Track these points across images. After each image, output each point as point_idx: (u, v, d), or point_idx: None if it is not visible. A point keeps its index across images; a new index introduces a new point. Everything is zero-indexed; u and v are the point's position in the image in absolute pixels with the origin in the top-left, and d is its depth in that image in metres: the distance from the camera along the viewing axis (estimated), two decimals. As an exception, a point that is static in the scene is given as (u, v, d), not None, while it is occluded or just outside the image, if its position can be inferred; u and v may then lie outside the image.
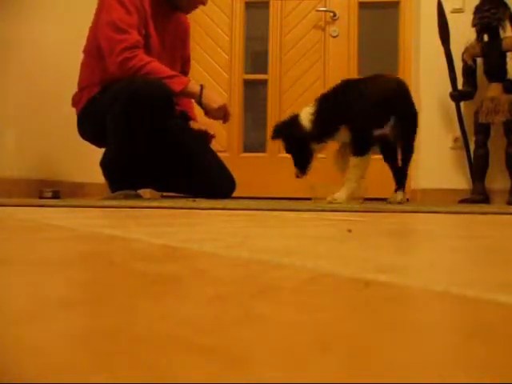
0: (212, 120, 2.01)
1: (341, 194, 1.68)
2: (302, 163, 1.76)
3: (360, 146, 1.70)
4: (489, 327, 0.21)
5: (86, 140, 2.04)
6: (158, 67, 1.82)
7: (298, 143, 1.73)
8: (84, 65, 1.97)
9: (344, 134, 1.72)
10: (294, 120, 1.73)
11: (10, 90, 2.14)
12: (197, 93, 1.88)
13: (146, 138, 1.83)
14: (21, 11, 2.16)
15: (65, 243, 0.51)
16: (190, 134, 2.12)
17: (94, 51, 1.90)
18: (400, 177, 1.88)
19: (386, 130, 1.76)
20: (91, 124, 1.94)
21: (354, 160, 1.70)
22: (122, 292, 0.28)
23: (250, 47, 3.24)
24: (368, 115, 1.70)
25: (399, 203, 1.79)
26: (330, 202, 1.65)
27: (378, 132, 1.76)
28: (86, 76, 1.95)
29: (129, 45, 1.79)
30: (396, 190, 1.87)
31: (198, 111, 2.13)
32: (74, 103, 1.99)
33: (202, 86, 1.90)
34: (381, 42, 3.16)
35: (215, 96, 1.97)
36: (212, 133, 2.16)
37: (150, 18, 1.92)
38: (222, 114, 1.96)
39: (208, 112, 1.93)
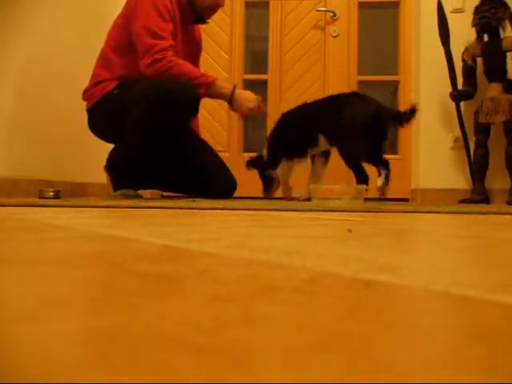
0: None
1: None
2: (266, 187, 2.29)
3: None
4: (489, 327, 0.21)
5: (96, 134, 2.05)
6: (186, 68, 1.84)
7: (261, 172, 2.27)
8: (103, 60, 1.99)
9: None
10: (260, 156, 2.26)
11: (11, 89, 2.14)
12: (226, 95, 1.91)
13: (163, 140, 1.85)
14: (21, 10, 2.16)
15: (65, 243, 0.52)
16: (191, 134, 2.12)
17: (121, 49, 1.93)
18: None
19: (322, 146, 2.07)
20: (105, 119, 1.95)
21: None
22: (122, 292, 0.28)
23: (250, 47, 3.24)
24: (292, 143, 2.11)
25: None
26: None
27: (315, 150, 2.12)
28: (104, 71, 1.97)
29: (160, 48, 1.83)
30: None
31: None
32: (86, 97, 2.00)
33: (234, 87, 1.93)
34: (381, 42, 3.16)
35: (248, 95, 1.97)
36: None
37: (179, 23, 1.98)
38: (258, 112, 1.97)
39: (241, 113, 1.97)
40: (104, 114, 1.95)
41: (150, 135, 1.83)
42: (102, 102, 1.95)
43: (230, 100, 1.91)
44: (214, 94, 1.91)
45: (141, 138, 1.84)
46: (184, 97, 1.76)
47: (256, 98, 1.96)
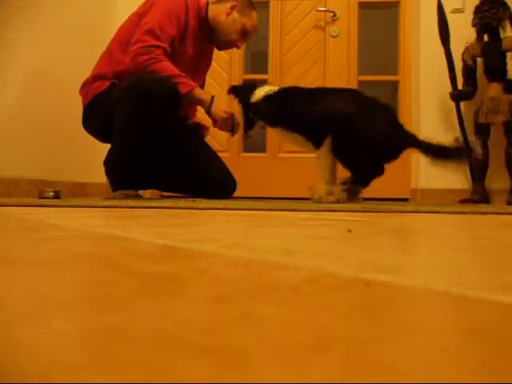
0: (206, 116, 2.04)
1: (318, 191, 1.73)
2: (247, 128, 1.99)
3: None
4: (489, 327, 0.21)
5: (90, 133, 2.05)
6: (167, 66, 1.84)
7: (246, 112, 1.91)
8: (107, 53, 2.00)
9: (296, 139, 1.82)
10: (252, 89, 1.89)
11: (11, 89, 2.14)
12: (206, 101, 1.92)
13: (151, 137, 1.84)
14: (21, 12, 2.16)
15: (65, 243, 0.51)
16: (191, 134, 2.12)
17: (124, 44, 1.93)
18: None
19: None
20: (97, 119, 1.96)
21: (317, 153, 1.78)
22: (122, 292, 0.27)
23: (250, 47, 3.23)
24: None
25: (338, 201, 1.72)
26: (319, 201, 1.69)
27: None
28: (104, 64, 1.98)
29: (148, 44, 1.83)
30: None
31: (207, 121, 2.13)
32: (83, 93, 2.00)
33: (213, 97, 1.93)
34: (381, 42, 3.16)
35: (224, 107, 2.00)
36: (205, 124, 2.18)
37: (191, 33, 1.99)
38: (230, 125, 1.98)
39: (216, 121, 1.96)
40: (94, 115, 1.96)
41: (134, 133, 1.82)
42: (93, 102, 1.95)
43: (209, 107, 1.92)
44: (193, 98, 1.91)
45: (126, 136, 1.84)
46: (163, 92, 1.76)
47: (232, 112, 1.99)
